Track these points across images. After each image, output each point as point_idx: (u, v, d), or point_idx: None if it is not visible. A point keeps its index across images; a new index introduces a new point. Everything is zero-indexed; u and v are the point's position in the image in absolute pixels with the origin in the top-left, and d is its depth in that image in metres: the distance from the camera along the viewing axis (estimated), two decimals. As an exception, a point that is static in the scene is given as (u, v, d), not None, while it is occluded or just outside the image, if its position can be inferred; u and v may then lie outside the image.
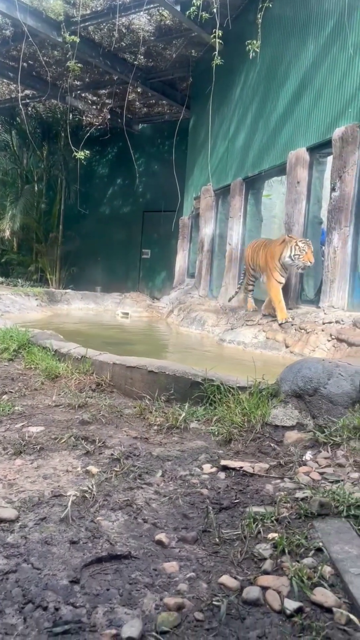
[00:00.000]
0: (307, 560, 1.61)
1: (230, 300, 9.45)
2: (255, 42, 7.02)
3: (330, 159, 7.09)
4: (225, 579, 1.52)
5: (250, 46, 7.05)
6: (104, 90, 14.88)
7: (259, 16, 7.12)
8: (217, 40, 6.95)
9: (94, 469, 2.28)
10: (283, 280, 7.31)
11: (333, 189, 6.75)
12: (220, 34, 7.04)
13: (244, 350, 7.12)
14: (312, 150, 7.58)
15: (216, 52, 6.99)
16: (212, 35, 7.02)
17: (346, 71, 6.69)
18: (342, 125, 6.62)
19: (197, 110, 12.96)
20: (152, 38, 11.37)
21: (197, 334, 9.00)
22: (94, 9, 10.32)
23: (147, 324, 10.97)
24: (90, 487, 2.09)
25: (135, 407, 3.20)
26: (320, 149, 7.46)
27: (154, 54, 12.36)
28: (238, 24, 9.18)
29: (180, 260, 14.39)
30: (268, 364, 5.89)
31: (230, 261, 10.28)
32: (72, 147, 10.45)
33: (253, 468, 2.37)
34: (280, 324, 6.92)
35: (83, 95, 15.30)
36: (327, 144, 7.04)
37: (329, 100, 7.08)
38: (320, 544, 1.71)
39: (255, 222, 10.13)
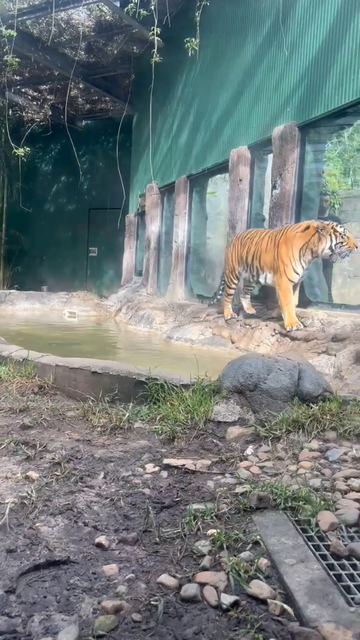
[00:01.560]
0: (245, 554, 1.64)
1: (209, 306, 8.14)
2: (194, 40, 7.06)
3: (270, 157, 7.23)
4: (164, 578, 1.53)
5: (189, 44, 7.08)
6: (45, 86, 14.60)
7: (197, 14, 7.16)
8: (156, 37, 6.94)
9: (34, 474, 2.24)
10: (296, 279, 6.06)
11: (274, 187, 6.89)
12: (159, 32, 7.04)
13: (191, 347, 7.17)
14: (253, 148, 7.71)
15: (155, 50, 6.98)
16: (151, 33, 7.01)
17: (283, 71, 6.83)
18: (281, 124, 6.76)
19: (140, 108, 12.92)
20: (93, 33, 11.24)
21: (145, 332, 8.99)
22: (31, 3, 10.09)
23: (94, 323, 10.86)
24: (30, 492, 2.05)
25: (78, 409, 3.17)
26: (261, 147, 7.60)
27: (95, 50, 12.22)
28: (179, 21, 9.20)
29: (128, 258, 14.33)
30: (214, 360, 5.95)
31: (177, 258, 10.32)
32: (12, 144, 10.19)
33: (195, 465, 2.39)
34: (288, 332, 5.84)
35: (23, 90, 14.95)
36: (267, 142, 7.17)
37: (268, 99, 7.22)
38: (258, 537, 1.75)
39: (200, 220, 10.21)
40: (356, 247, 5.76)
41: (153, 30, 7.05)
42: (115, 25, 10.88)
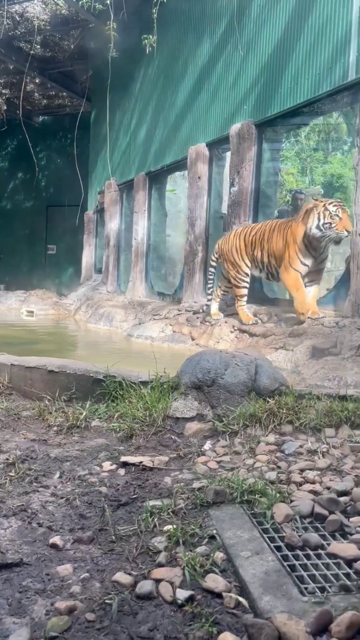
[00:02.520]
0: (201, 549, 1.64)
1: (202, 311, 7.21)
2: (151, 36, 7.03)
3: (229, 154, 7.28)
4: (119, 576, 1.52)
5: (146, 40, 7.05)
6: (-1, 80, 14.26)
7: (154, 10, 7.13)
8: (113, 32, 6.88)
9: (-13, 476, 2.18)
10: (304, 270, 5.42)
11: (232, 184, 6.94)
12: (115, 26, 6.98)
13: (151, 344, 7.15)
14: (211, 145, 7.74)
15: (112, 45, 6.92)
16: (107, 27, 6.94)
17: (240, 69, 6.88)
18: (239, 122, 6.81)
19: (98, 104, 12.79)
20: (48, 27, 11.05)
21: (105, 330, 8.92)
22: (-16, -6, 9.84)
23: (53, 322, 10.70)
24: (-18, 495, 2.00)
25: (34, 409, 3.11)
26: (219, 144, 7.64)
27: (51, 44, 12.02)
28: (136, 17, 9.15)
29: (87, 256, 14.18)
30: (174, 357, 5.95)
31: (137, 256, 10.27)
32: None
33: (153, 462, 2.38)
34: (301, 322, 5.27)
35: (-23, 84, 14.57)
36: (225, 140, 7.22)
37: (225, 97, 7.26)
38: (214, 531, 1.75)
39: (160, 217, 10.20)
40: (347, 231, 4.97)
41: (109, 25, 6.99)
42: (71, 20, 10.73)
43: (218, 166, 7.97)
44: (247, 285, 6.28)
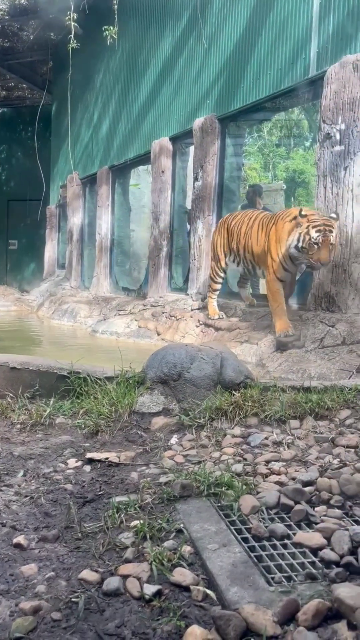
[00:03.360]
0: (168, 543, 1.64)
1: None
2: (112, 28, 6.95)
3: (192, 149, 7.28)
4: (86, 574, 1.49)
5: (107, 32, 6.96)
6: None
7: (115, 2, 7.04)
8: (73, 23, 6.76)
9: None
10: (286, 278, 4.96)
11: (196, 179, 6.94)
12: (76, 17, 6.86)
13: (117, 340, 7.10)
14: (174, 139, 7.72)
15: (72, 36, 6.80)
16: (67, 18, 6.82)
17: (203, 63, 6.88)
18: (202, 116, 6.81)
19: (60, 96, 12.58)
20: (7, 17, 10.78)
21: (69, 326, 8.81)
22: None
23: (15, 319, 10.51)
24: None
25: (-4, 407, 3.04)
26: (182, 138, 7.63)
27: (10, 34, 11.75)
28: (98, 9, 9.02)
29: (50, 251, 13.97)
30: (140, 352, 5.92)
31: (100, 251, 10.17)
32: None
33: (119, 458, 2.36)
34: (278, 338, 4.75)
35: None
36: (188, 134, 7.21)
37: (188, 91, 7.24)
38: (182, 525, 1.75)
39: (124, 212, 10.13)
40: (321, 264, 4.44)
41: (70, 15, 6.87)
42: (30, 10, 10.50)
43: (182, 160, 7.96)
44: (222, 281, 6.23)
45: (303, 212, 4.57)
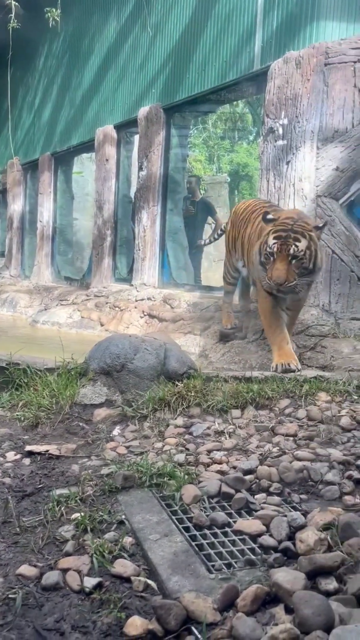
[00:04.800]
0: (109, 535, 1.62)
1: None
2: (54, 10, 6.75)
3: (137, 138, 7.21)
4: (24, 569, 1.46)
5: (49, 14, 6.76)
6: None
7: (58, -18, 6.85)
8: (14, 2, 6.52)
9: None
10: (272, 288, 3.50)
11: (140, 168, 6.88)
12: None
13: (59, 330, 6.97)
14: (119, 128, 7.62)
15: (12, 15, 6.56)
16: (8, -4, 6.57)
17: (148, 51, 6.81)
18: (147, 105, 6.75)
19: (-1, 78, 12.13)
20: None
21: (8, 317, 8.57)
22: None
23: None
24: None
25: None
26: (127, 127, 7.54)
27: None
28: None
29: (-11, 239, 13.50)
30: (83, 343, 5.84)
31: (42, 239, 9.94)
32: None
33: (60, 450, 2.32)
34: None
35: None
36: (133, 122, 7.13)
37: (134, 79, 7.16)
38: (123, 516, 1.74)
39: (66, 200, 9.92)
40: (275, 284, 3.37)
41: (10, -7, 6.62)
42: (-32, -15, 10.03)
43: (127, 150, 7.87)
44: (233, 281, 5.00)
45: (269, 216, 3.55)
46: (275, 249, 3.37)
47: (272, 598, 1.29)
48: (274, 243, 3.37)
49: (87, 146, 8.49)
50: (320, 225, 3.60)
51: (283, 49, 4.84)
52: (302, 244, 3.35)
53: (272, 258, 3.39)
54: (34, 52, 10.02)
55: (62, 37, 8.79)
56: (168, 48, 6.45)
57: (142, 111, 6.75)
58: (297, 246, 3.34)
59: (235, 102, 10.37)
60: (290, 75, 4.72)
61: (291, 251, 3.34)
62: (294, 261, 3.36)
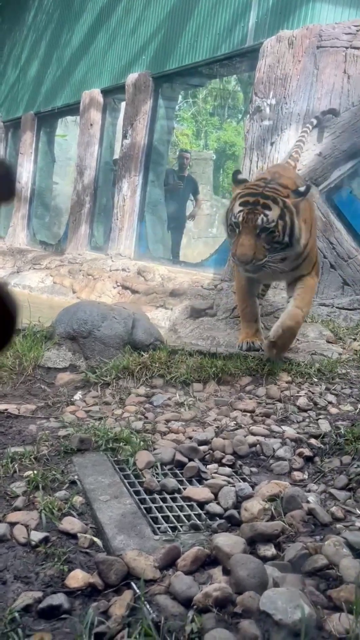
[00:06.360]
0: (60, 494, 1.65)
1: None
2: None
3: (124, 104, 7.07)
4: (-28, 521, 1.48)
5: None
6: None
7: None
8: None
9: None
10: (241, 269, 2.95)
11: (125, 136, 6.77)
12: None
13: (29, 294, 6.89)
14: (106, 92, 7.46)
15: None
16: None
17: (141, 16, 6.64)
18: (136, 72, 6.61)
19: (-14, 28, 11.68)
20: None
21: (-20, 276, 8.41)
22: None
23: None
24: None
25: None
26: (114, 92, 7.39)
27: None
28: None
29: (-35, 196, 13.17)
30: (53, 308, 5.78)
31: (19, 200, 9.73)
32: None
33: (19, 410, 2.32)
34: (239, 347, 3.19)
35: None
36: (121, 89, 6.98)
37: (124, 44, 6.99)
38: (76, 477, 1.76)
39: (47, 162, 9.72)
40: (240, 261, 2.76)
41: None
42: None
43: (112, 117, 7.72)
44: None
45: (240, 176, 3.07)
46: (240, 219, 2.76)
47: (211, 560, 1.34)
48: (240, 211, 2.77)
49: (72, 109, 8.30)
50: (303, 189, 2.87)
51: (277, 27, 4.78)
52: (273, 213, 2.73)
53: (237, 230, 2.79)
54: (23, 6, 9.66)
55: (54, -8, 8.52)
56: (162, 14, 6.30)
57: (131, 77, 6.61)
58: (266, 215, 2.72)
59: (226, 78, 10.24)
60: (281, 55, 4.67)
61: (259, 222, 2.72)
62: (263, 234, 2.73)
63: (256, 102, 4.88)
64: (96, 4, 7.52)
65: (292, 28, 4.65)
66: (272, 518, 1.52)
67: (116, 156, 7.38)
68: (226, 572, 1.27)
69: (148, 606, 1.15)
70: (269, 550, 1.37)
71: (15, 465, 1.79)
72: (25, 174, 9.64)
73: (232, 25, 5.30)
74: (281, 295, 4.62)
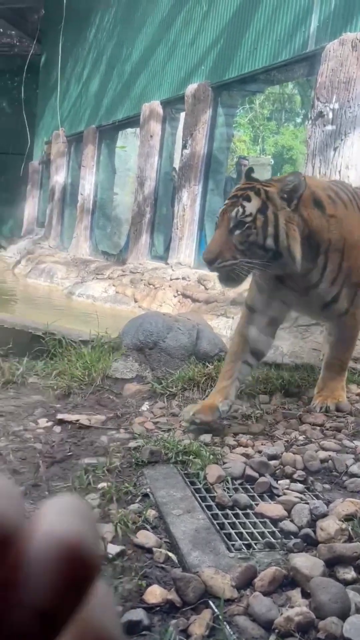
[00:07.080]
0: (134, 506, 1.67)
1: None
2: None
3: (183, 115, 7.14)
4: (51, 531, 1.52)
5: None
6: None
7: None
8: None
9: None
10: (260, 305, 2.61)
11: (184, 146, 6.83)
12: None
13: (93, 304, 7.06)
14: (165, 104, 7.56)
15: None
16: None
17: (200, 27, 6.70)
18: (195, 82, 6.66)
19: (50, 47, 12.13)
20: None
21: (45, 287, 8.71)
22: None
23: (-9, 275, 10.33)
24: None
25: (-32, 362, 3.01)
26: (173, 103, 7.47)
27: (1, -24, 11.22)
28: None
29: (30, 208, 13.69)
30: (116, 318, 5.90)
31: (82, 212, 10.01)
32: None
33: (90, 420, 2.38)
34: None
35: None
36: (180, 99, 7.06)
37: (183, 55, 7.06)
38: (148, 489, 1.78)
39: (108, 174, 9.94)
40: (206, 262, 2.27)
41: None
42: None
43: (171, 127, 7.81)
44: None
45: (252, 175, 2.50)
46: (219, 214, 2.30)
47: (289, 582, 1.32)
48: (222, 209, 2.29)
49: (133, 121, 8.46)
50: (288, 185, 2.21)
51: (340, 30, 4.69)
52: (251, 205, 2.18)
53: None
54: (85, 24, 9.97)
55: (115, 8, 8.72)
56: (220, 24, 6.33)
57: (190, 88, 6.67)
58: (243, 207, 2.18)
59: (284, 83, 10.14)
60: (345, 58, 4.58)
61: (233, 214, 2.19)
62: (237, 231, 2.18)
63: (318, 107, 4.80)
64: (155, 18, 7.66)
65: (356, 30, 4.55)
66: (350, 539, 1.48)
67: (175, 165, 7.46)
68: (305, 594, 1.24)
69: (228, 627, 1.15)
70: (348, 573, 1.33)
71: (90, 477, 1.83)
72: (88, 185, 9.90)
73: (293, 30, 5.25)
74: None
